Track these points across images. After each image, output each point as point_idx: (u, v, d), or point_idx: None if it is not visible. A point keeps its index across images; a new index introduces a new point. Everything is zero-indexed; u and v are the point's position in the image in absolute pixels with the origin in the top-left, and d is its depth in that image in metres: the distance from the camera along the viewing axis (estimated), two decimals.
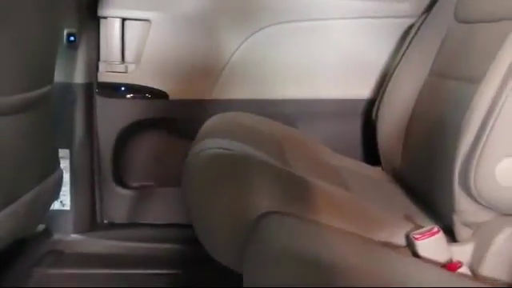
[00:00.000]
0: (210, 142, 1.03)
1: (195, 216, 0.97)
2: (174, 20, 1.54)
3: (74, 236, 1.57)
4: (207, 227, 0.94)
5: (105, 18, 1.53)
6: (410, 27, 1.52)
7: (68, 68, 1.48)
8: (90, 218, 1.61)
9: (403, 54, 1.46)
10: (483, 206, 0.89)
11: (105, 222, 1.66)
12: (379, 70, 1.58)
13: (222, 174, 0.95)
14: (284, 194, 0.91)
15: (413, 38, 1.46)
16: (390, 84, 1.46)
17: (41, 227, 1.53)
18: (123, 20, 1.53)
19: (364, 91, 1.59)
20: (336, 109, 1.60)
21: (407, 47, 1.46)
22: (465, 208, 0.90)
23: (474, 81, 0.98)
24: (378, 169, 1.44)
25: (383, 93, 1.48)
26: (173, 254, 1.52)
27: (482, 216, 0.90)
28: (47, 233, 1.53)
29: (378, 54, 1.58)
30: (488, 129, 0.87)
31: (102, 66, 1.55)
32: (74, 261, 1.48)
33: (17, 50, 1.11)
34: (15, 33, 1.08)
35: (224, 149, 1.01)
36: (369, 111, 1.55)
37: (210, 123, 1.27)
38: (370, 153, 1.53)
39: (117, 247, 1.57)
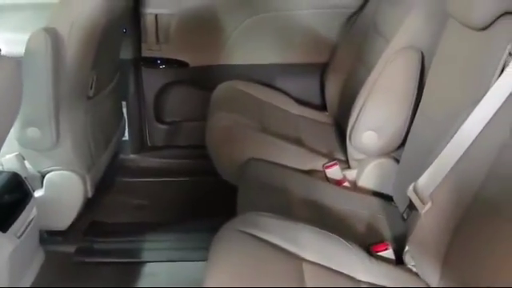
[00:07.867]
0: (219, 116, 1.87)
1: (214, 158, 1.81)
2: (190, 13, 2.23)
3: (131, 155, 2.40)
4: (219, 164, 1.79)
5: (145, 14, 2.22)
6: (352, 15, 2.21)
7: (122, 49, 2.17)
8: (141, 143, 2.44)
9: (345, 37, 2.19)
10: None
11: (149, 145, 2.47)
12: (331, 45, 2.27)
13: (225, 137, 1.81)
14: (258, 149, 1.74)
15: (351, 26, 2.16)
16: (336, 56, 2.19)
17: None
18: (156, 15, 2.22)
19: (321, 58, 2.29)
20: (301, 70, 2.33)
21: (347, 32, 2.18)
22: (351, 152, 1.72)
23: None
24: (326, 113, 2.20)
25: (331, 61, 2.22)
26: (194, 167, 2.29)
27: (360, 156, 1.71)
28: (116, 154, 2.34)
29: (329, 33, 2.27)
30: (364, 108, 1.63)
31: (143, 46, 2.27)
32: (133, 171, 2.33)
33: (110, 57, 1.88)
34: (110, 47, 1.83)
35: (226, 120, 1.84)
36: (323, 72, 2.29)
37: (218, 93, 2.07)
38: (322, 102, 2.29)
39: (157, 162, 2.40)
